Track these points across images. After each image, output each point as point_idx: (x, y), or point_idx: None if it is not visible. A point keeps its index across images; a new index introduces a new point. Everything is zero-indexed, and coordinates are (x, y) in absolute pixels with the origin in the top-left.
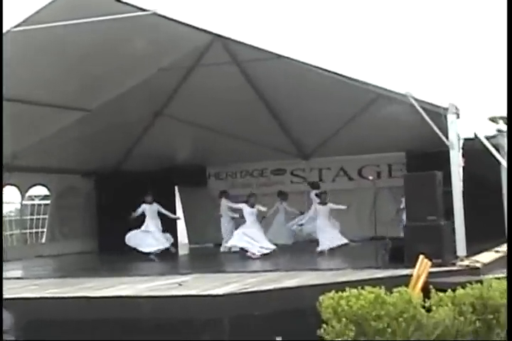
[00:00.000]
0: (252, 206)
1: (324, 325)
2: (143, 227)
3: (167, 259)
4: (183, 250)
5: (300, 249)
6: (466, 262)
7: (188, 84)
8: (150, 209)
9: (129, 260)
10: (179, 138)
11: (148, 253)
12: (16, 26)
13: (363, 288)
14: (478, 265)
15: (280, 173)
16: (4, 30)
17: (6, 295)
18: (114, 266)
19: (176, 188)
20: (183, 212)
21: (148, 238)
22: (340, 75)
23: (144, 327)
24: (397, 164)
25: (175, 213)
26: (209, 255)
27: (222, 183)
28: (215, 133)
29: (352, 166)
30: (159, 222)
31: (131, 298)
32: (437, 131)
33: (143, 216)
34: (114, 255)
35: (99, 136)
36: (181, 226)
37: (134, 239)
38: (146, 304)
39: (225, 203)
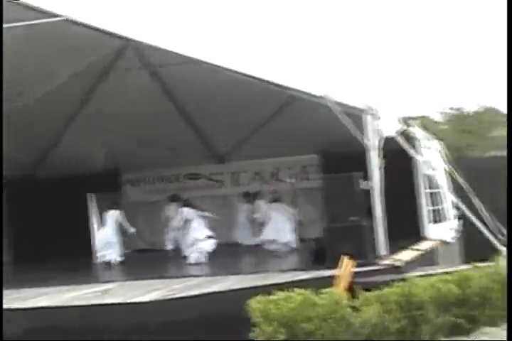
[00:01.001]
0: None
1: (255, 329)
2: None
3: (87, 268)
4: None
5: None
6: (387, 261)
7: (101, 89)
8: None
9: (47, 270)
10: (93, 144)
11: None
12: None
13: (289, 291)
14: (399, 263)
15: (196, 177)
16: None
17: None
18: (33, 277)
19: (91, 195)
20: (99, 219)
21: None
22: (255, 78)
23: (72, 335)
24: (313, 166)
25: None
26: (128, 262)
27: (138, 189)
28: (130, 138)
29: (267, 169)
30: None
31: (57, 308)
32: (355, 132)
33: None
34: (31, 265)
35: (10, 142)
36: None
37: None
38: (73, 313)
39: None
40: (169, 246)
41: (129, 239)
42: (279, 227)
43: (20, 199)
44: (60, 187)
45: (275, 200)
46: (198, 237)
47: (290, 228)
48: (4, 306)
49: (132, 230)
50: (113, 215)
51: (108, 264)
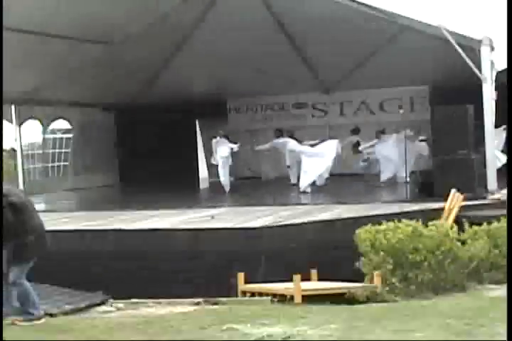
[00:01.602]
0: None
1: (362, 258)
2: None
3: (193, 193)
4: (204, 184)
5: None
6: (497, 195)
7: (209, 17)
8: None
9: (153, 193)
10: (199, 71)
11: None
12: None
13: (399, 221)
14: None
15: (301, 107)
16: None
17: None
18: (140, 199)
19: (197, 122)
20: (203, 146)
21: None
22: (367, 6)
23: (178, 259)
24: (422, 97)
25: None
26: (235, 189)
27: (242, 117)
28: (236, 66)
29: (374, 100)
30: None
31: (167, 231)
32: (470, 63)
33: None
34: (137, 188)
35: (120, 69)
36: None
37: None
38: (182, 237)
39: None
40: (273, 175)
41: (236, 167)
42: (389, 160)
43: (128, 125)
44: (167, 114)
45: (382, 133)
46: (308, 167)
47: (400, 160)
48: (112, 226)
49: (235, 148)
50: (223, 141)
51: (217, 189)
